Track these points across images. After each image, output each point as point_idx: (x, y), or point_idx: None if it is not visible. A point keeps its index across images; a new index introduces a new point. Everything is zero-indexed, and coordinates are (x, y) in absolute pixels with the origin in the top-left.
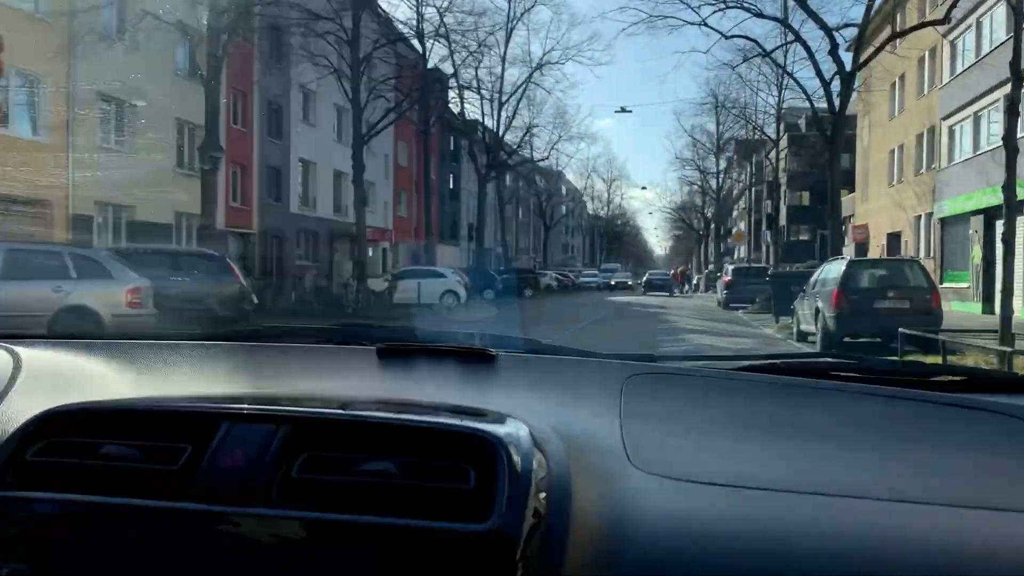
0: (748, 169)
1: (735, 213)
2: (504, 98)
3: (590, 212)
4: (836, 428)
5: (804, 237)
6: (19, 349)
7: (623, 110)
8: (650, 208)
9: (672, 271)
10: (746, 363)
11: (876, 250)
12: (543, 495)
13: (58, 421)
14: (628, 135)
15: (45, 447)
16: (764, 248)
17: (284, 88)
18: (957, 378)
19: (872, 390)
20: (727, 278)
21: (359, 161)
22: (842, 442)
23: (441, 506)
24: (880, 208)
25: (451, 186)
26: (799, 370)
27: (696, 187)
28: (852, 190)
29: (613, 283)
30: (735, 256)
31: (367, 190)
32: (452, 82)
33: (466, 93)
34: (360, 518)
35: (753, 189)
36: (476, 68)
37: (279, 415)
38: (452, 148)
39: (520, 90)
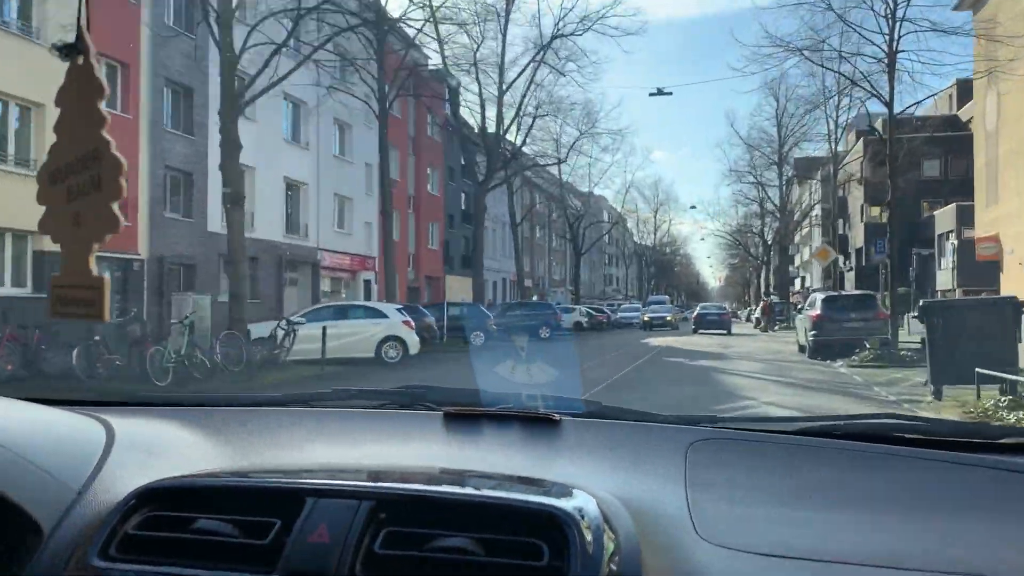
0: (811, 186)
1: (797, 239)
2: (507, 84)
3: (636, 240)
4: (902, 496)
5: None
6: (110, 419)
7: (660, 92)
8: (701, 233)
9: (762, 302)
10: (807, 425)
11: (1018, 268)
12: (614, 568)
13: (156, 495)
14: (672, 150)
15: (144, 521)
16: (836, 274)
17: (197, 60)
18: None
19: (937, 456)
20: (815, 312)
21: (229, 136)
22: (908, 512)
23: None
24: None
25: (463, 205)
26: (861, 434)
27: (754, 204)
28: (945, 199)
29: (647, 318)
30: (802, 286)
31: (343, 207)
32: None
33: (463, 85)
34: None
35: (820, 207)
36: (475, 53)
37: (361, 491)
38: (463, 160)
39: (527, 72)
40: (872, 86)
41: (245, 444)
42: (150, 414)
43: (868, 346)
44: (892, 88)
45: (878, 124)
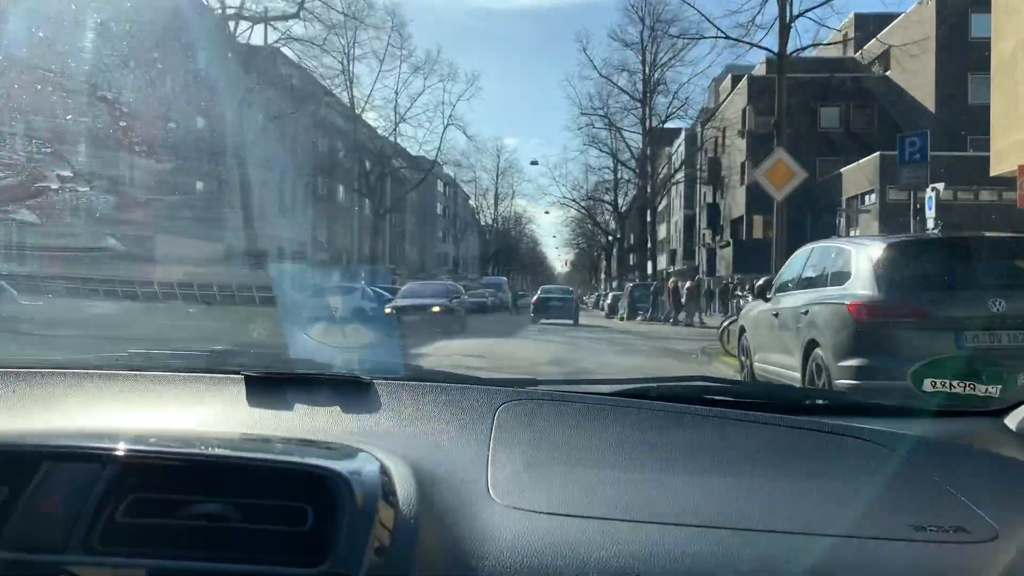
0: (671, 154)
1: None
2: None
3: (477, 216)
4: (704, 455)
5: (771, 234)
6: None
7: None
8: (545, 205)
9: (672, 283)
10: (622, 388)
11: None
12: (387, 533)
13: None
14: (504, 80)
15: None
16: (703, 252)
17: None
18: (823, 403)
19: (741, 416)
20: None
21: None
22: (708, 470)
23: (278, 548)
24: None
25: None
26: (674, 395)
27: (606, 171)
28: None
29: (398, 308)
30: (666, 269)
31: None
32: None
33: None
34: (185, 564)
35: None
36: None
37: (104, 454)
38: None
39: None
40: None
41: (10, 410)
42: None
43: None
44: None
45: (761, 70)
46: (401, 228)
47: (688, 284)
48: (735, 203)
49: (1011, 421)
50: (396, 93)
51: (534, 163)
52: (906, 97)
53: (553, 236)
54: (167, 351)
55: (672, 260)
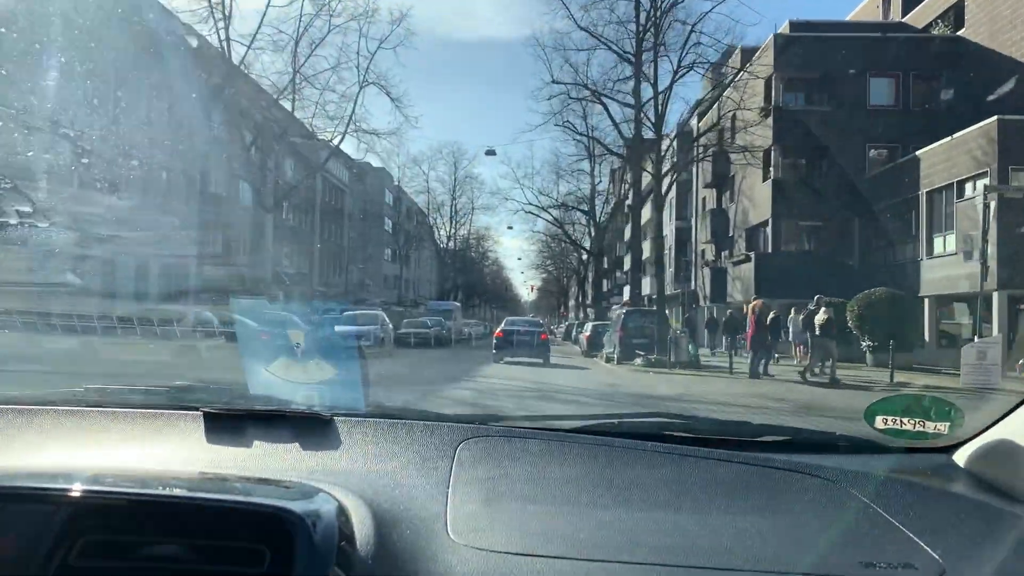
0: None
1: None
2: None
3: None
4: (661, 493)
5: (806, 245)
6: None
7: None
8: (508, 219)
9: (757, 307)
10: (583, 424)
11: None
12: (342, 573)
13: None
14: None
15: None
16: (700, 275)
17: None
18: (781, 439)
19: (699, 452)
20: None
21: None
22: (665, 508)
23: None
24: None
25: None
26: (635, 432)
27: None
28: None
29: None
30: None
31: None
32: None
33: None
34: None
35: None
36: None
37: (57, 496)
38: None
39: None
40: None
41: None
42: None
43: None
44: None
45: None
46: (337, 241)
47: (821, 312)
48: (754, 206)
49: (959, 457)
50: (296, 39)
51: (490, 152)
52: (992, 60)
53: (519, 259)
54: (126, 386)
55: (659, 283)
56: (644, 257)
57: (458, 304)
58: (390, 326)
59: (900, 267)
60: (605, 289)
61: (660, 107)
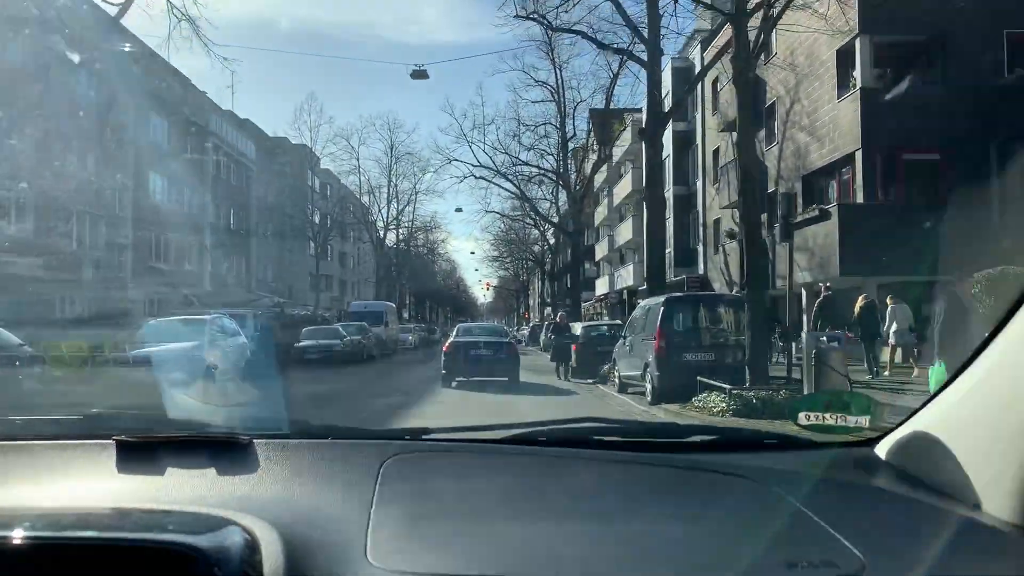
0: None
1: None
2: None
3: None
4: (590, 501)
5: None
6: None
7: None
8: (451, 169)
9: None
10: (512, 433)
11: None
12: None
13: None
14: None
15: None
16: (722, 254)
17: None
18: (709, 438)
19: (627, 457)
20: None
21: None
22: (593, 517)
23: None
24: None
25: None
26: (564, 439)
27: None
28: None
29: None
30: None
31: None
32: None
33: None
34: None
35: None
36: None
37: None
38: None
39: None
40: None
41: None
42: None
43: None
44: None
45: None
46: (242, 232)
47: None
48: (818, 139)
49: (880, 450)
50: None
51: (419, 74)
52: None
53: (472, 252)
54: (38, 417)
55: (657, 270)
56: (622, 243)
57: (391, 304)
58: (241, 339)
59: None
60: (579, 280)
61: None
